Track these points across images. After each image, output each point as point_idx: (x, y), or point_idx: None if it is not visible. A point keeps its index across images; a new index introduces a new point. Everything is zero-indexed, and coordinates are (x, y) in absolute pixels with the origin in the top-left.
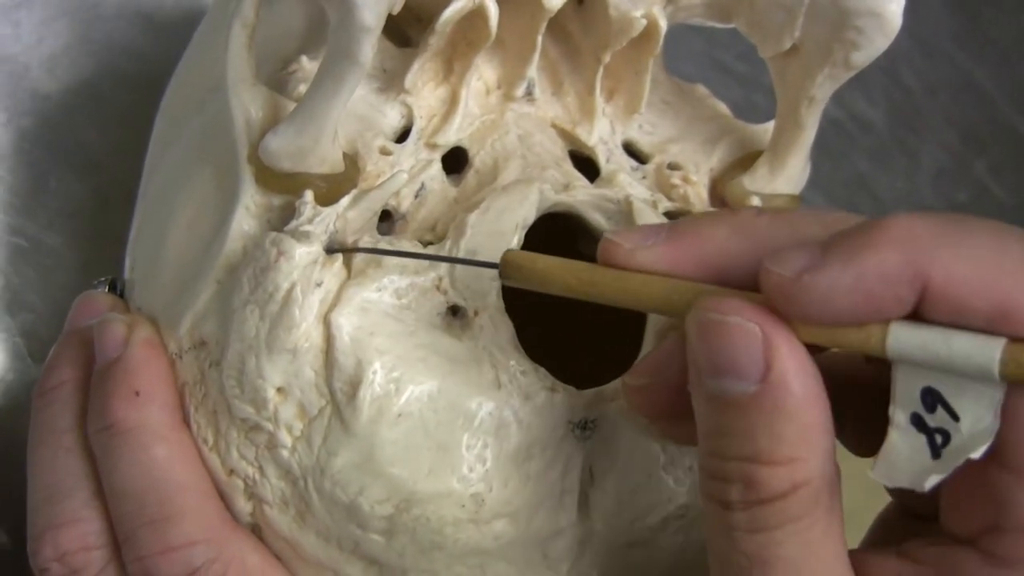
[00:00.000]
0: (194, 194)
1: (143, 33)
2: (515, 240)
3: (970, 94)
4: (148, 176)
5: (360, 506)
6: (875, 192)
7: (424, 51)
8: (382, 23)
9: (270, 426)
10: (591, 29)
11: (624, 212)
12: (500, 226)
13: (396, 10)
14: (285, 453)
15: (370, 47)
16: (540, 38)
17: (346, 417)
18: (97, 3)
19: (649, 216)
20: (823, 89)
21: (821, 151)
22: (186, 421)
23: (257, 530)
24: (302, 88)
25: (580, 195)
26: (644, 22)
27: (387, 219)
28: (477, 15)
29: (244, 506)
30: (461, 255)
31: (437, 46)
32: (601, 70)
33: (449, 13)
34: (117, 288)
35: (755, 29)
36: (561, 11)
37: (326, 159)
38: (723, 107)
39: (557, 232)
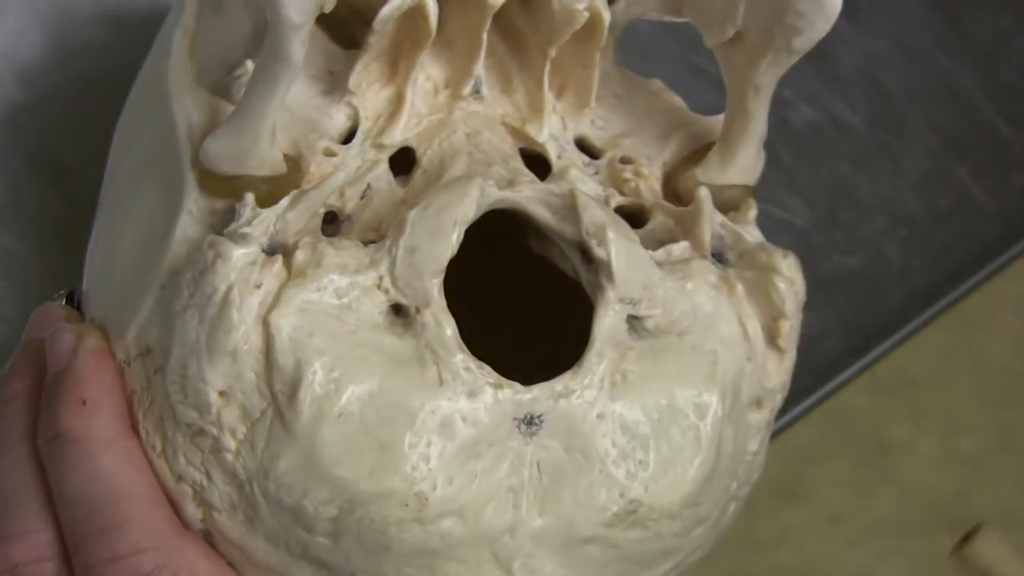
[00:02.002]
0: (144, 202)
1: (118, 41)
2: (454, 237)
3: (952, 98)
4: (105, 185)
5: (305, 508)
6: (856, 197)
7: (366, 51)
8: (309, 20)
9: (214, 430)
10: (537, 24)
11: (569, 206)
12: (439, 223)
13: (328, 8)
14: (230, 457)
15: (300, 45)
16: (485, 35)
17: (287, 419)
18: (73, 11)
19: (594, 210)
20: (768, 76)
21: (801, 156)
22: (135, 428)
23: (209, 536)
24: None
25: (525, 191)
26: (587, 14)
27: (333, 221)
28: (418, 13)
29: (194, 512)
30: (400, 253)
31: (379, 46)
32: (548, 65)
33: (387, 11)
34: (75, 299)
35: (700, 18)
36: (508, 8)
37: (265, 161)
38: (678, 100)
39: (507, 229)
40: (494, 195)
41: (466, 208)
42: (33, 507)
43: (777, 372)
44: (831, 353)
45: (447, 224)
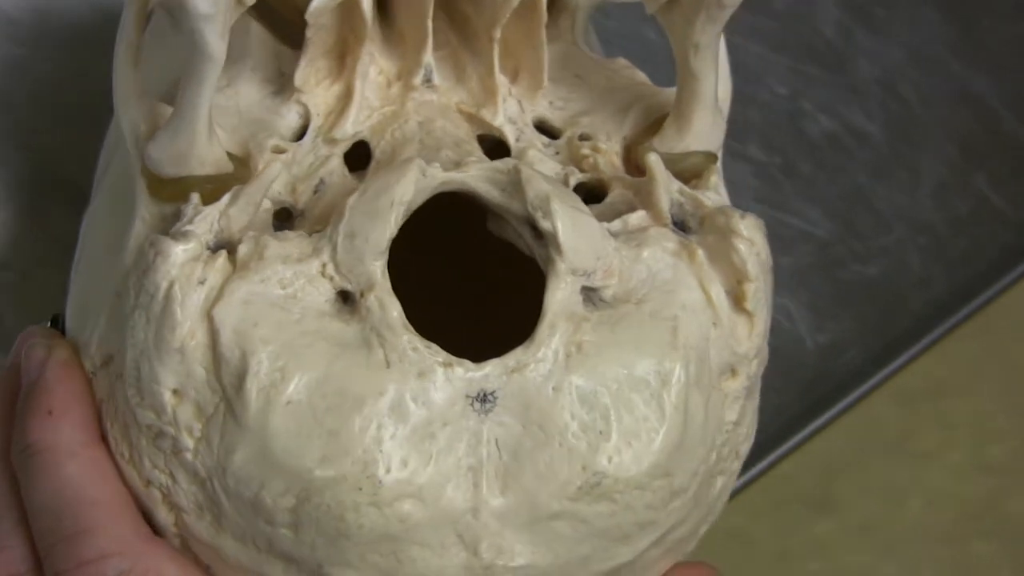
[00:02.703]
0: (108, 217)
1: None
2: (392, 217)
3: (969, 105)
4: (88, 208)
5: (263, 501)
6: (874, 206)
7: (308, 46)
8: (218, 9)
9: (172, 430)
10: (480, 7)
11: (513, 182)
12: (377, 205)
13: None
14: (189, 456)
15: (215, 36)
16: (429, 22)
17: (237, 411)
18: (97, 38)
19: (537, 182)
20: (705, 33)
21: (819, 166)
22: (104, 438)
23: (184, 541)
24: None
25: (472, 171)
26: None
27: (287, 218)
28: (353, 5)
29: (167, 517)
30: (340, 238)
31: (324, 42)
32: (496, 48)
33: (317, 3)
34: (60, 323)
35: None
36: None
37: (206, 160)
38: (641, 76)
39: (469, 215)
40: (438, 177)
41: (403, 188)
42: (7, 524)
43: (748, 337)
44: (853, 363)
45: (384, 206)
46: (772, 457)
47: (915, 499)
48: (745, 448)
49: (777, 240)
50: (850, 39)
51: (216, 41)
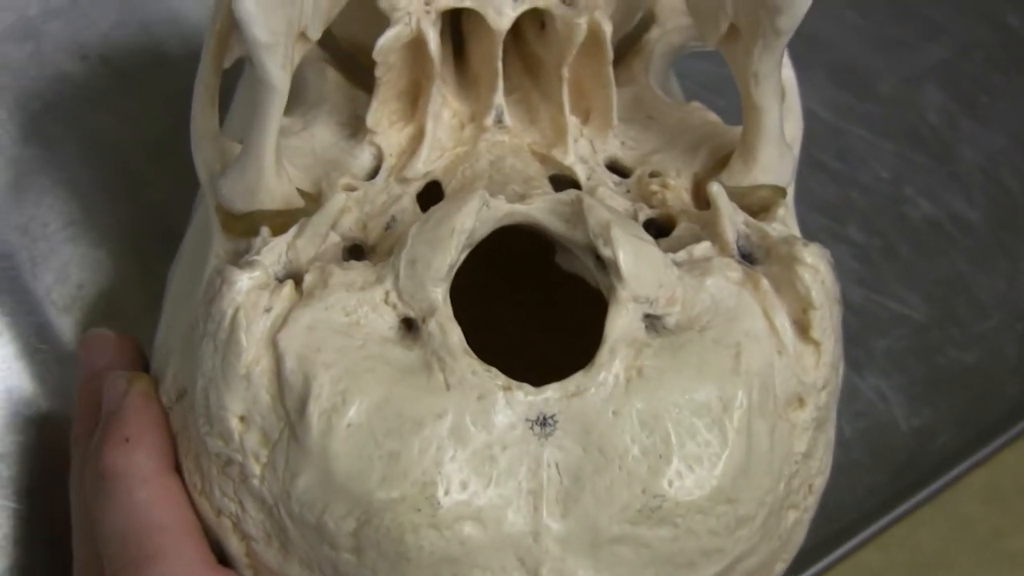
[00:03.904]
0: (190, 258)
1: None
2: (453, 244)
3: None
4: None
5: (326, 525)
6: (973, 292)
7: (379, 87)
8: (278, 39)
9: (239, 456)
10: (549, 47)
11: (576, 212)
12: (438, 233)
13: (313, 35)
14: (256, 482)
15: (276, 66)
16: (499, 64)
17: (299, 435)
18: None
19: (598, 211)
20: (764, 62)
21: (919, 251)
22: (179, 470)
23: (256, 572)
24: None
25: (536, 203)
26: (584, 26)
27: (360, 254)
28: (420, 45)
29: (238, 547)
30: (402, 266)
31: (393, 82)
32: (565, 87)
33: (383, 41)
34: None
35: (699, 20)
36: (527, 38)
37: (276, 194)
38: (714, 116)
39: (540, 250)
40: (502, 208)
41: (463, 217)
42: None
43: (816, 367)
44: (946, 449)
45: (445, 233)
46: (863, 535)
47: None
48: (820, 482)
49: (874, 323)
50: (954, 125)
51: (276, 70)
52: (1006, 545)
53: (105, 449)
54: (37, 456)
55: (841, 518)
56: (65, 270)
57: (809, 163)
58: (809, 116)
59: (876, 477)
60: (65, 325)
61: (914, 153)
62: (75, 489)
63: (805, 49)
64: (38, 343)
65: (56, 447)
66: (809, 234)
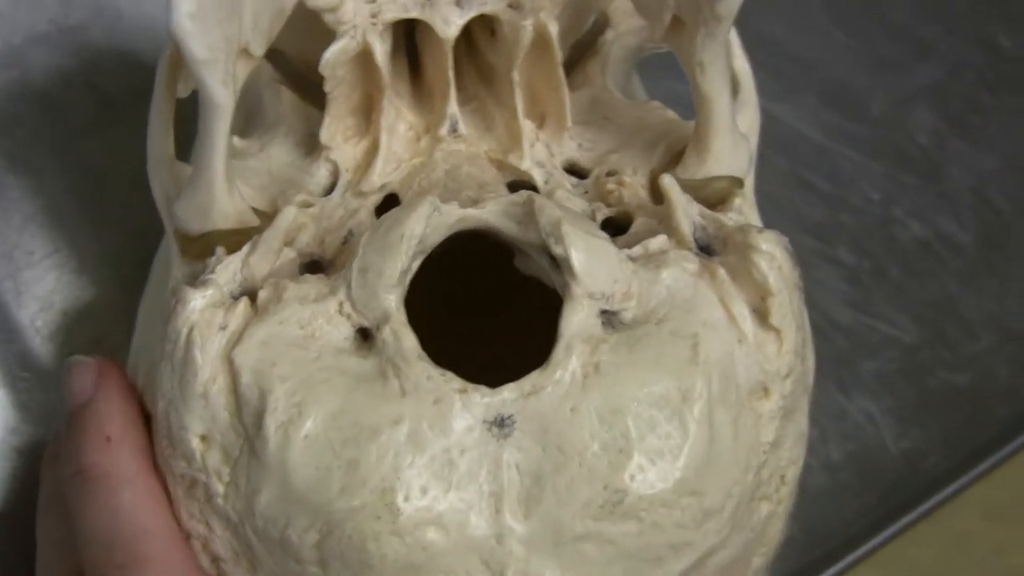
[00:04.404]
0: (156, 287)
1: None
2: (402, 251)
3: None
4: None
5: (290, 539)
6: (963, 314)
7: (330, 102)
8: (216, 55)
9: (203, 476)
10: (499, 53)
11: (527, 212)
12: (388, 240)
13: (256, 51)
14: (220, 501)
15: (216, 81)
16: (451, 73)
17: (258, 449)
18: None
19: (549, 209)
20: (707, 51)
21: (909, 272)
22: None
23: None
24: None
25: (488, 206)
26: (531, 28)
27: (317, 269)
28: (368, 59)
29: (209, 568)
30: (354, 275)
31: (345, 97)
32: (517, 91)
33: (329, 55)
34: None
35: (645, 14)
36: (480, 46)
37: (229, 213)
38: (672, 114)
39: (500, 256)
40: (454, 214)
41: (413, 222)
42: (53, 550)
43: (778, 354)
44: (936, 470)
45: (395, 240)
46: (850, 559)
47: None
48: (792, 473)
49: (864, 344)
50: (944, 146)
51: (218, 87)
52: (1007, 561)
53: (86, 448)
54: (21, 484)
55: (829, 541)
56: (49, 298)
57: (798, 184)
58: (798, 137)
59: (865, 500)
60: (49, 353)
61: (904, 174)
62: (43, 510)
63: (794, 70)
64: (20, 371)
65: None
66: (798, 255)
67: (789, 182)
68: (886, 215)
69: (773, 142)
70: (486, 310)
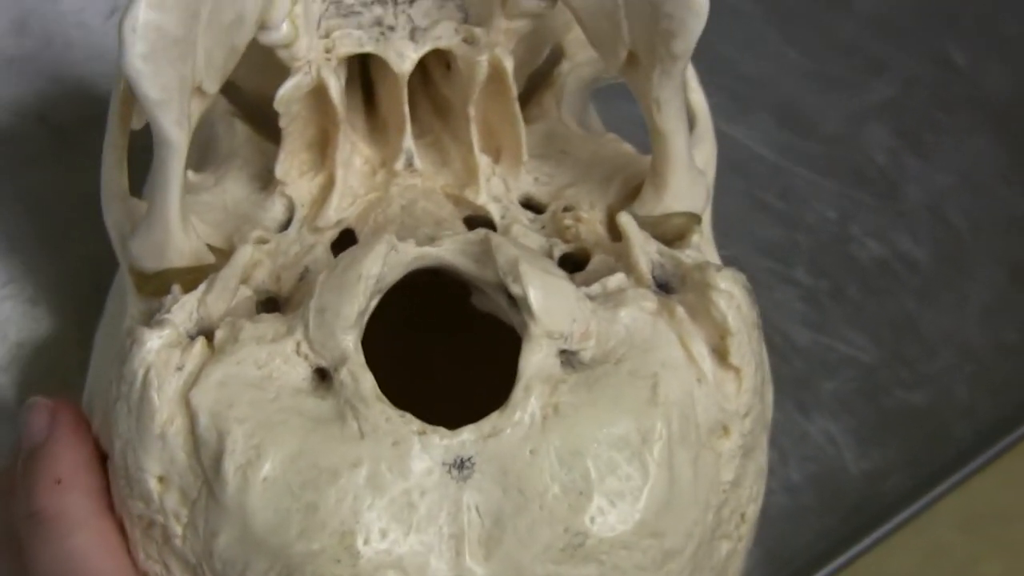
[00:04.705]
0: (112, 324)
1: None
2: (360, 289)
3: (1018, 230)
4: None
5: None
6: (921, 332)
7: (285, 137)
8: (170, 95)
9: (161, 518)
10: (455, 88)
11: (485, 251)
12: (345, 279)
13: (209, 88)
14: (179, 543)
15: (170, 122)
16: (406, 108)
17: (216, 492)
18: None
19: (506, 248)
20: (664, 88)
21: (867, 291)
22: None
23: None
24: None
25: (445, 244)
26: (485, 64)
27: (273, 307)
28: (323, 94)
29: None
30: (311, 315)
31: (299, 132)
32: (473, 126)
33: (284, 91)
34: None
35: (600, 49)
36: (435, 80)
37: (184, 251)
38: (628, 147)
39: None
40: (411, 252)
41: (370, 263)
42: None
43: (737, 394)
44: (896, 490)
45: (352, 280)
46: None
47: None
48: (752, 511)
49: (822, 365)
50: (899, 164)
51: (172, 127)
52: (981, 570)
53: (37, 490)
54: None
55: (791, 563)
56: (3, 328)
57: (753, 204)
58: (752, 157)
59: (826, 521)
60: (4, 384)
61: (859, 192)
62: None
63: (747, 89)
64: None
65: None
66: (755, 276)
67: (744, 202)
68: (843, 234)
69: (727, 162)
70: (456, 347)
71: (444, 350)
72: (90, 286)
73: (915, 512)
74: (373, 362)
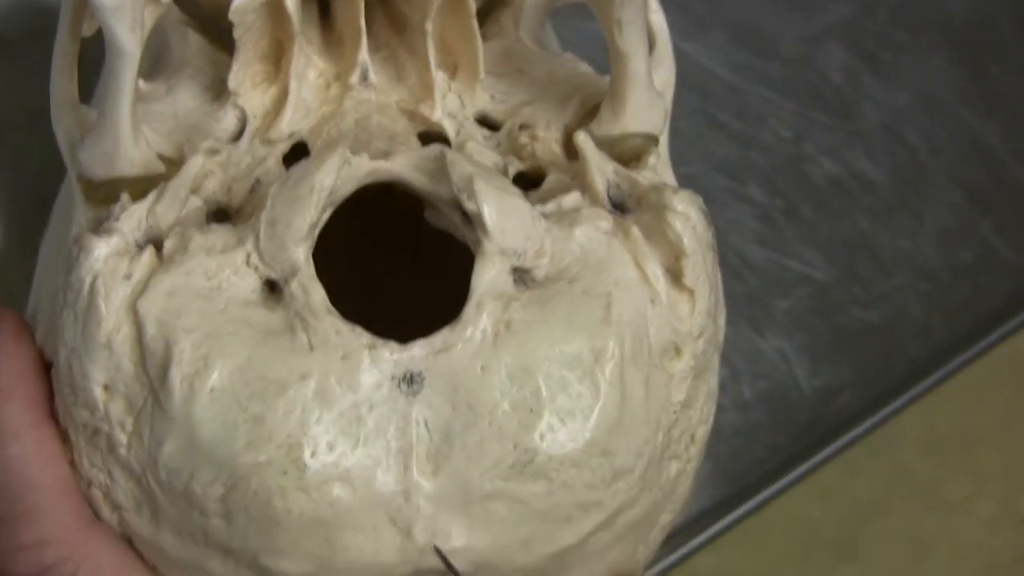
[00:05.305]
0: (58, 231)
1: None
2: (312, 202)
3: (976, 153)
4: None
5: (194, 491)
6: (876, 251)
7: (239, 48)
8: (124, 2)
9: (105, 426)
10: (413, 4)
11: (439, 167)
12: (297, 192)
13: None
14: (123, 451)
15: (125, 30)
16: (362, 21)
17: (163, 401)
18: (94, 59)
19: (461, 165)
20: (626, 9)
21: (821, 210)
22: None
23: (129, 542)
24: None
25: (399, 159)
26: None
27: (223, 218)
28: (278, 4)
29: (110, 517)
30: (263, 227)
31: (254, 43)
32: (430, 42)
33: (238, 2)
34: None
35: None
36: None
37: (135, 160)
38: (586, 67)
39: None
40: (364, 166)
41: (323, 175)
42: None
43: (690, 315)
44: (847, 408)
45: (304, 192)
46: (760, 498)
47: (943, 549)
48: (702, 432)
49: (776, 283)
50: (857, 84)
51: (125, 34)
52: (943, 493)
53: None
54: None
55: (742, 479)
56: None
57: (709, 123)
58: (709, 76)
59: (777, 438)
60: None
61: (816, 112)
62: None
63: (705, 8)
64: None
65: None
66: (710, 194)
67: (700, 120)
68: (798, 153)
69: (684, 81)
70: (405, 265)
71: (396, 270)
72: (36, 201)
73: (867, 430)
74: (325, 279)
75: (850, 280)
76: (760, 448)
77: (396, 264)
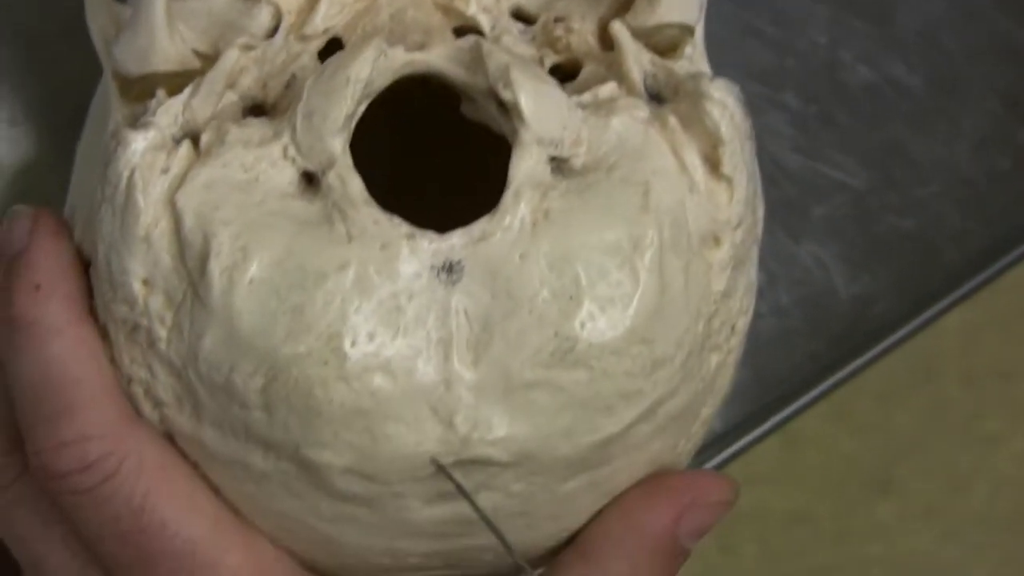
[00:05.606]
0: (94, 129)
1: None
2: (348, 94)
3: (1013, 59)
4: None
5: (235, 383)
6: (913, 158)
7: None
8: None
9: (145, 321)
10: None
11: (475, 57)
12: (333, 83)
13: None
14: (163, 346)
15: None
16: None
17: (202, 294)
18: None
19: (497, 55)
20: None
21: (857, 116)
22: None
23: (171, 438)
24: None
25: (435, 51)
26: None
27: (259, 113)
28: None
29: (151, 414)
30: (299, 119)
31: None
32: None
33: None
34: None
35: None
36: None
37: (170, 56)
38: None
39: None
40: (400, 58)
41: (359, 66)
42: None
43: (729, 204)
44: (886, 315)
45: (340, 83)
46: (799, 403)
47: (980, 484)
48: (742, 323)
49: (812, 190)
50: None
51: None
52: (983, 427)
53: (15, 296)
54: None
55: (779, 386)
56: None
57: (743, 29)
58: None
59: (814, 345)
60: None
61: (851, 17)
62: None
63: None
64: None
65: None
66: (745, 101)
67: (735, 27)
68: (833, 60)
69: None
70: (437, 151)
71: (433, 171)
72: (70, 110)
73: (903, 336)
74: (362, 174)
75: (886, 187)
76: (797, 354)
77: (432, 163)
